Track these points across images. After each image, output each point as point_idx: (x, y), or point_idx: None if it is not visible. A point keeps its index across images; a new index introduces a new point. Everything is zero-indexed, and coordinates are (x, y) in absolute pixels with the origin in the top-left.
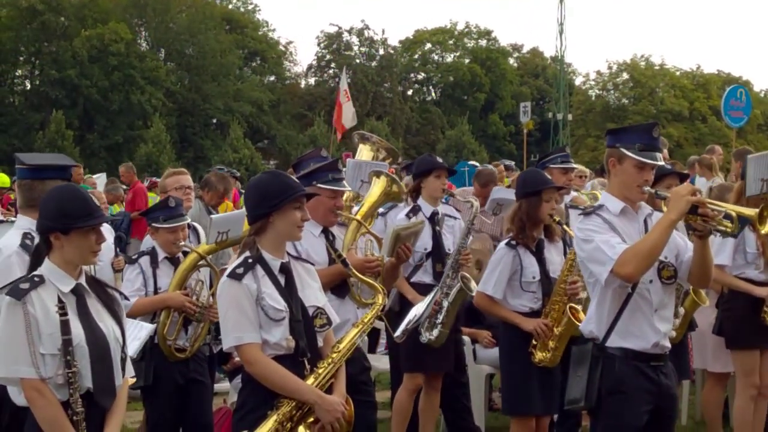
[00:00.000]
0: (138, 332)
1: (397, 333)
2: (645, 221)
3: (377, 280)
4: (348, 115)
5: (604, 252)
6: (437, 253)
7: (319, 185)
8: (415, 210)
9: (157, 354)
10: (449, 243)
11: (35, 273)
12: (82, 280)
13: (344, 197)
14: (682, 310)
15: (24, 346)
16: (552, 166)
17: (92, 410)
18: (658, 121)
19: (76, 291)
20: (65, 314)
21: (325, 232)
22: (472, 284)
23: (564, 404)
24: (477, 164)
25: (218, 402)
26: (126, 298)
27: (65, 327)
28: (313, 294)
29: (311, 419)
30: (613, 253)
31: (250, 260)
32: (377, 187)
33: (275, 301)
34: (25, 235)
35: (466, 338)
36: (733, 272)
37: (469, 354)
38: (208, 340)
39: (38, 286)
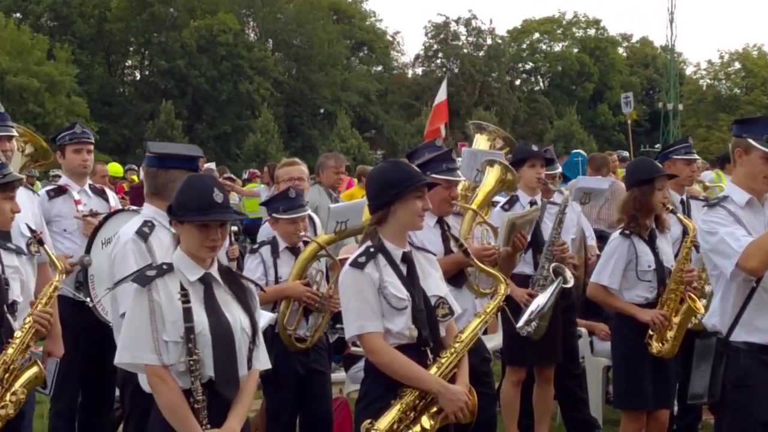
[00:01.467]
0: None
1: (519, 324)
2: None
3: (494, 269)
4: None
5: (729, 245)
6: (537, 243)
7: (433, 175)
8: (512, 201)
9: (277, 344)
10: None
11: (165, 262)
12: (213, 270)
13: (459, 187)
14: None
15: (148, 333)
16: (676, 157)
17: (215, 399)
18: None
19: (204, 280)
20: (188, 302)
21: (440, 222)
22: (568, 274)
23: (686, 399)
24: (585, 154)
25: (334, 392)
26: (261, 288)
27: (188, 314)
28: (434, 283)
29: (434, 409)
30: (738, 246)
31: (372, 249)
32: (491, 176)
33: (397, 289)
34: (145, 223)
35: (583, 330)
36: None
37: (586, 346)
38: (326, 330)
39: (165, 274)
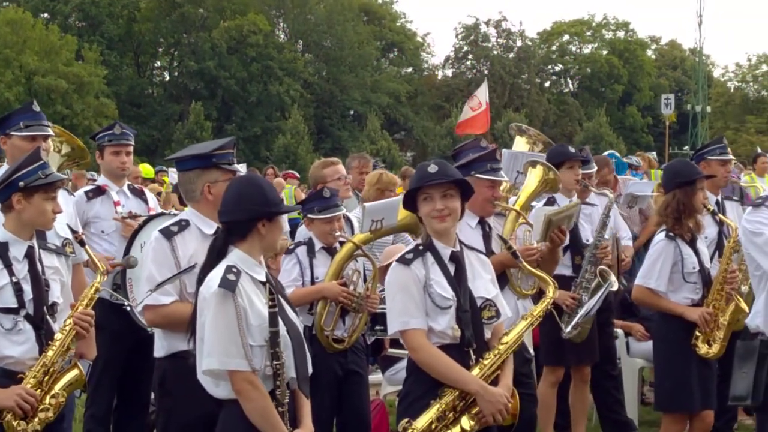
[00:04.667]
0: None
1: (568, 329)
2: None
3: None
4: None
5: None
6: (575, 245)
7: (477, 175)
8: (551, 202)
9: (315, 345)
10: (587, 233)
11: (228, 264)
12: None
13: (501, 188)
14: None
15: (236, 338)
16: (711, 157)
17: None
18: None
19: (268, 281)
20: (275, 306)
21: (482, 222)
22: (612, 277)
23: (728, 400)
24: (620, 156)
25: (371, 394)
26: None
27: (273, 319)
28: (483, 285)
29: (475, 410)
30: None
31: (420, 247)
32: (534, 176)
33: (443, 288)
34: (176, 222)
35: (619, 331)
36: None
37: (622, 347)
38: (363, 331)
39: (240, 276)
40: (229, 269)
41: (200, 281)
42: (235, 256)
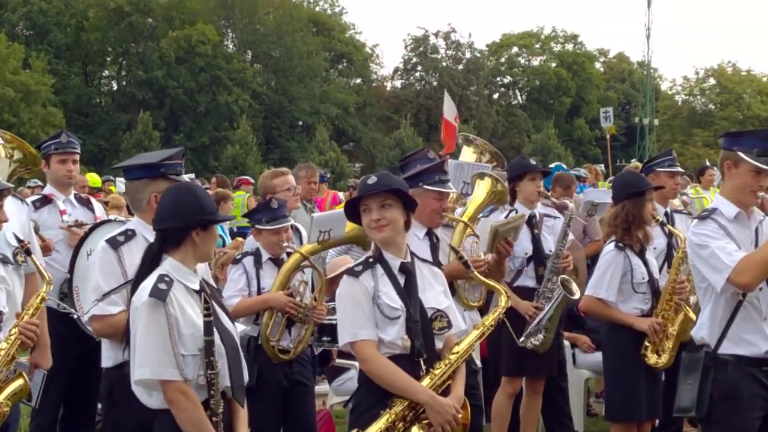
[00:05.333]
0: None
1: (521, 339)
2: (756, 229)
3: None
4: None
5: (721, 259)
6: (538, 256)
7: (425, 186)
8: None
9: (260, 355)
10: (549, 244)
11: (161, 272)
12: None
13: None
14: None
15: (168, 348)
16: (659, 169)
17: (223, 410)
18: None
19: (203, 290)
20: (210, 315)
21: (429, 234)
22: (574, 287)
23: (672, 411)
24: (566, 167)
25: (317, 404)
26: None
27: (208, 328)
28: (434, 296)
29: (426, 420)
30: (730, 261)
31: (370, 259)
32: (482, 188)
33: (391, 299)
34: (123, 232)
35: (565, 342)
36: None
37: (568, 358)
38: (310, 341)
39: (172, 285)
40: (161, 278)
41: (134, 290)
42: (168, 264)
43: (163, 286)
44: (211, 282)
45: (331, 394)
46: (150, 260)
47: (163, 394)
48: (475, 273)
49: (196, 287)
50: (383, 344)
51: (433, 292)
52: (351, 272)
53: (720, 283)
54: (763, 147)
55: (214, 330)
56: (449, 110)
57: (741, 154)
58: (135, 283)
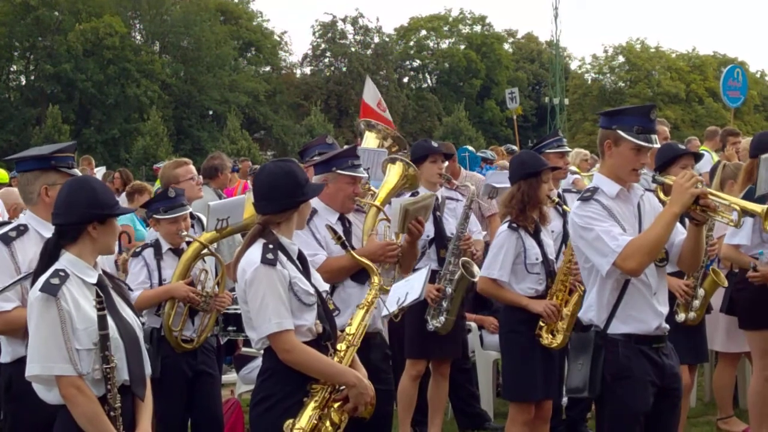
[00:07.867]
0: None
1: (393, 310)
2: (639, 204)
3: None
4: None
5: (606, 243)
6: (440, 238)
7: (339, 171)
8: (414, 196)
9: (164, 346)
10: (451, 227)
11: (57, 267)
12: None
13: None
14: (702, 291)
15: (60, 343)
16: (548, 150)
17: (125, 404)
18: (655, 103)
19: (101, 283)
20: (103, 309)
21: (342, 219)
22: (475, 269)
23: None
24: (473, 150)
25: (225, 393)
26: (130, 289)
27: (102, 322)
28: (318, 279)
29: (337, 404)
30: (616, 246)
31: (271, 246)
32: (394, 172)
33: (305, 285)
34: (15, 228)
35: (472, 324)
36: (749, 252)
37: (476, 340)
38: (216, 331)
39: (66, 280)
40: (55, 273)
41: (33, 286)
42: (65, 259)
43: (55, 281)
44: (115, 274)
45: (240, 383)
46: (48, 255)
47: (58, 389)
48: (352, 253)
49: (94, 281)
50: (299, 332)
51: (316, 275)
52: (266, 261)
53: (605, 268)
54: (642, 124)
55: (111, 323)
56: (371, 95)
57: (621, 133)
58: (33, 278)
